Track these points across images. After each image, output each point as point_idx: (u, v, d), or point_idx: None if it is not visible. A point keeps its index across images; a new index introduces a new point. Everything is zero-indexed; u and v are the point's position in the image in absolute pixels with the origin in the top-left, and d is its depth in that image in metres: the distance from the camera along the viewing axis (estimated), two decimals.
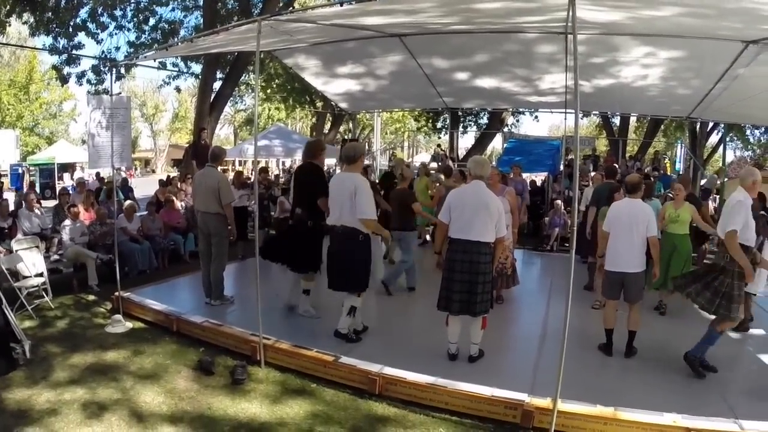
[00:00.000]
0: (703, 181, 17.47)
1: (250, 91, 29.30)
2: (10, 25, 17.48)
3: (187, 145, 22.17)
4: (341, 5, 5.85)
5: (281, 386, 5.30)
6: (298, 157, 23.41)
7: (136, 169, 35.31)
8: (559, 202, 13.75)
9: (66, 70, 17.37)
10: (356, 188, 5.63)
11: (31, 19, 16.44)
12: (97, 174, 19.75)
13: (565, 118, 14.55)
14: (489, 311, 5.52)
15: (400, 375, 5.10)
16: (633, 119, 28.21)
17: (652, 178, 12.60)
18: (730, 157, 29.43)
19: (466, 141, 30.40)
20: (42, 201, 12.45)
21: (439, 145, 25.37)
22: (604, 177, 9.06)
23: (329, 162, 28.30)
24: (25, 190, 13.27)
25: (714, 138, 28.04)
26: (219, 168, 7.69)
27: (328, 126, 28.25)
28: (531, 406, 4.55)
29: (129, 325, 6.90)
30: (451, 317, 5.54)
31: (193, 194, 7.79)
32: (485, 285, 5.38)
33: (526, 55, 8.72)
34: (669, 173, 17.53)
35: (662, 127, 26.96)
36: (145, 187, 20.95)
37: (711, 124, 22.90)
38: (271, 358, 5.73)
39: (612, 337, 5.96)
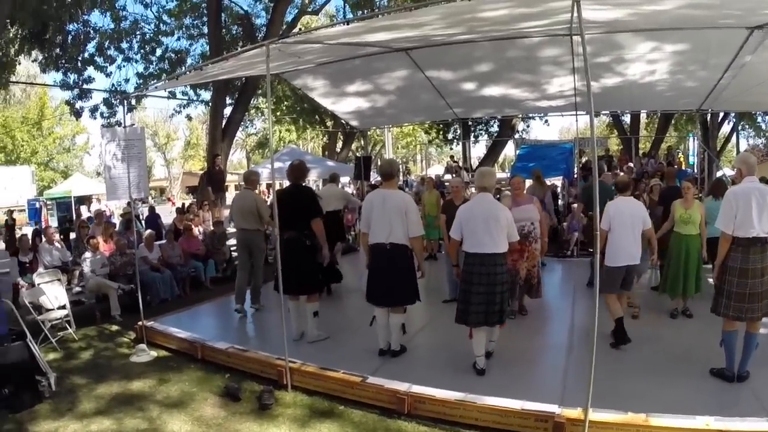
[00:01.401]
0: (719, 173, 17.27)
1: (260, 114, 29.56)
2: (20, 64, 17.77)
3: (201, 172, 22.33)
4: (347, 24, 5.88)
5: (309, 409, 5.26)
6: (312, 178, 23.52)
7: (151, 198, 35.50)
8: (576, 205, 13.61)
9: (78, 104, 17.61)
10: (407, 207, 5.80)
11: (40, 57, 16.71)
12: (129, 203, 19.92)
13: (576, 120, 14.48)
14: (505, 320, 5.65)
15: (428, 393, 5.03)
16: (643, 116, 28.04)
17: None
18: (743, 145, 29.20)
19: (478, 150, 30.34)
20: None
21: (452, 157, 25.38)
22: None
23: (343, 179, 28.43)
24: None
25: (726, 128, 27.82)
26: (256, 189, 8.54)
27: (339, 144, 28.36)
28: (562, 418, 4.46)
29: (153, 353, 6.91)
30: (474, 329, 5.54)
31: (231, 213, 8.86)
32: (503, 295, 5.50)
33: (531, 60, 8.72)
34: (684, 167, 17.38)
35: (673, 121, 26.79)
36: (162, 215, 21.06)
37: (722, 115, 22.69)
38: (298, 382, 5.69)
39: (623, 326, 6.08)
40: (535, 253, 7.15)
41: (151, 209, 17.42)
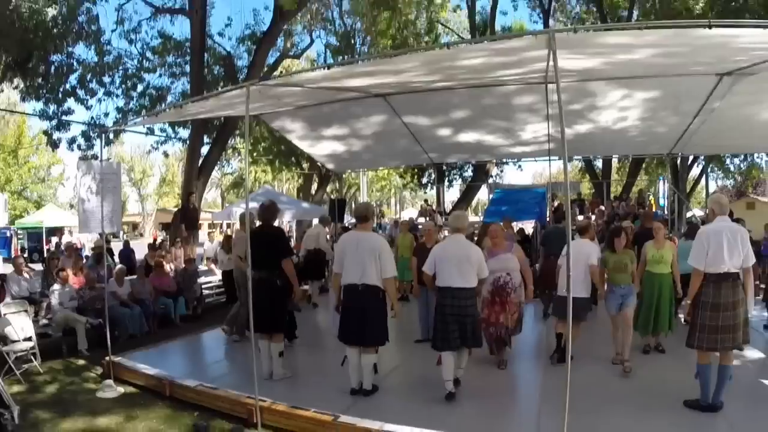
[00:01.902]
0: (689, 214, 17.68)
1: (237, 154, 29.61)
2: (2, 91, 17.75)
3: (175, 209, 22.23)
4: (327, 68, 6.02)
5: None
6: (287, 219, 23.51)
7: (123, 233, 34.81)
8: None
9: (56, 135, 17.50)
10: (381, 249, 5.88)
11: (22, 85, 16.69)
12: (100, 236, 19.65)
13: (549, 166, 14.78)
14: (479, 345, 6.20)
15: (401, 431, 5.01)
16: (615, 160, 28.64)
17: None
18: (712, 187, 29.89)
19: (451, 194, 30.67)
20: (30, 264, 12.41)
21: (425, 200, 25.57)
22: (553, 221, 9.57)
23: (316, 221, 28.37)
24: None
25: (695, 170, 28.49)
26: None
27: (314, 186, 28.44)
28: None
29: (120, 389, 6.76)
30: (443, 354, 5.89)
31: None
32: (474, 322, 5.96)
33: (507, 107, 8.93)
34: (655, 209, 17.73)
35: (644, 165, 27.38)
36: (136, 250, 20.83)
37: (691, 158, 23.28)
38: (268, 420, 5.59)
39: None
40: (514, 304, 6.96)
41: (126, 243, 17.19)
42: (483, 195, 28.72)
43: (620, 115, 9.00)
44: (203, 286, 12.48)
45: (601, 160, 25.89)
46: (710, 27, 4.14)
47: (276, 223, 7.38)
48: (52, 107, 17.06)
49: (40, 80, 16.63)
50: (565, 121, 8.85)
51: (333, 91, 7.18)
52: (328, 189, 28.06)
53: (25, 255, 20.65)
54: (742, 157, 26.66)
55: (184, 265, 12.64)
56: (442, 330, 5.87)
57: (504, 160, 21.27)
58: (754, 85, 6.80)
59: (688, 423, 5.11)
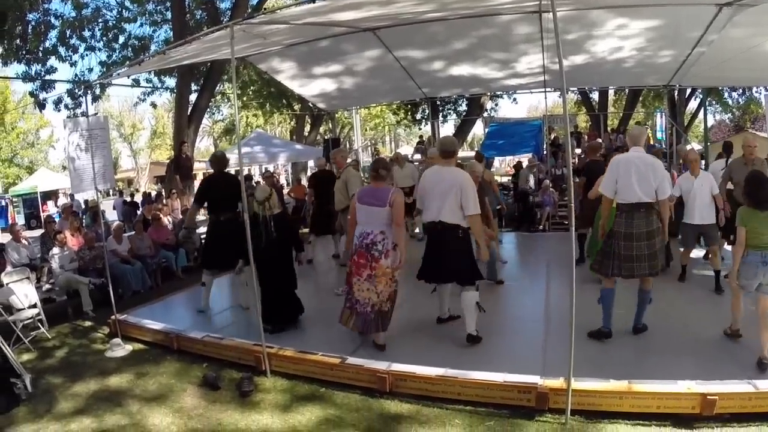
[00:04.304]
0: (687, 147, 17.55)
1: (226, 100, 29.19)
2: None
3: (168, 161, 22.05)
4: (313, 2, 5.78)
5: (290, 394, 5.24)
6: (281, 162, 23.36)
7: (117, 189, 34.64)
8: (547, 181, 13.76)
9: (42, 96, 17.15)
10: (462, 185, 5.52)
11: (0, 49, 16.25)
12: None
13: (545, 98, 14.56)
14: None
15: (409, 370, 5.04)
16: (611, 93, 28.29)
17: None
18: (710, 121, 29.58)
19: (446, 130, 30.36)
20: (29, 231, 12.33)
21: (421, 136, 25.33)
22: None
23: (312, 163, 28.25)
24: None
25: (693, 104, 28.17)
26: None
27: (307, 128, 28.14)
28: (545, 388, 4.50)
29: (129, 347, 6.79)
30: None
31: None
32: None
33: (502, 38, 8.73)
34: (652, 143, 17.60)
35: (641, 98, 27.07)
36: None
37: (689, 90, 23.00)
38: (277, 366, 5.65)
39: None
40: (386, 270, 5.64)
41: (146, 195, 17.27)
42: (478, 129, 28.45)
43: (617, 45, 8.80)
44: (202, 236, 12.42)
45: (597, 92, 25.56)
46: None
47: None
48: (35, 67, 16.66)
49: (18, 42, 16.15)
50: (562, 52, 8.74)
51: (321, 27, 6.97)
52: (321, 129, 27.80)
53: (22, 223, 20.61)
54: (741, 91, 26.29)
55: (181, 217, 12.57)
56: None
57: (498, 93, 20.97)
58: (754, 17, 6.59)
59: (692, 356, 5.12)
